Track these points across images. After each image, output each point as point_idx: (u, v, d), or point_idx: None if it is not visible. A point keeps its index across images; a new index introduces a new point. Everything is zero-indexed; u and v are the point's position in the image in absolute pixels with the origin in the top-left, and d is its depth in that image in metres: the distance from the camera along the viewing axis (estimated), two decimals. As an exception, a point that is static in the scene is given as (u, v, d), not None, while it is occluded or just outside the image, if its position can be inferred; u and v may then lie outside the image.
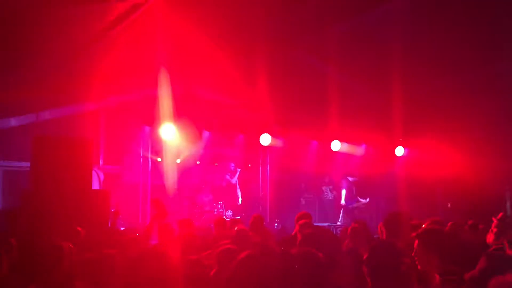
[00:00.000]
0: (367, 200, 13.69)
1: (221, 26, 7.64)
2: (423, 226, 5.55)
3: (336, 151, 13.98)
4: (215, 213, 12.74)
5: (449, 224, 7.08)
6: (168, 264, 4.49)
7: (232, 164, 13.55)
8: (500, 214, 5.75)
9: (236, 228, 6.19)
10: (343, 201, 13.49)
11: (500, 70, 10.16)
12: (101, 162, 11.56)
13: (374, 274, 3.24)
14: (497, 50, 9.38)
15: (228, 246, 4.91)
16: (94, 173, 10.17)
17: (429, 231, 3.95)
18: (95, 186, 10.13)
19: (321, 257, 3.26)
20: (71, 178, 7.63)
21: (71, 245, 4.75)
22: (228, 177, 13.45)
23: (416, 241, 3.86)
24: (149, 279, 3.67)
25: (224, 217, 11.85)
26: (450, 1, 7.51)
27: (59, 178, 7.49)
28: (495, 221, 5.60)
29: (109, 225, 7.81)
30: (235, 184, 13.48)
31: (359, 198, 13.69)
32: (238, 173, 13.52)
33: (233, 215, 12.74)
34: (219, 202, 13.04)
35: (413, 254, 3.83)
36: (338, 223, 13.24)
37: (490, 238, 5.43)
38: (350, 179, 13.80)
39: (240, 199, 13.51)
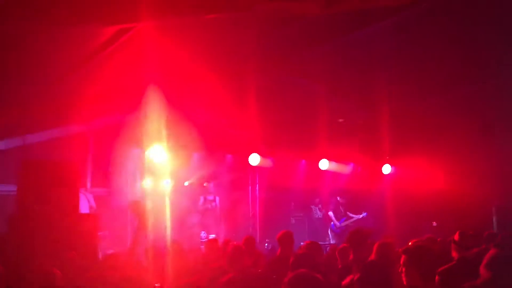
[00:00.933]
0: (363, 215, 13.66)
1: (209, 48, 7.69)
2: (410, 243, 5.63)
3: (324, 170, 14.03)
4: (202, 235, 12.63)
5: (438, 240, 7.14)
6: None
7: (211, 184, 13.37)
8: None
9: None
10: (335, 223, 13.50)
11: (482, 89, 10.35)
12: (88, 185, 11.45)
13: None
14: (479, 70, 9.55)
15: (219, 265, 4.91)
16: (83, 197, 10.08)
17: (414, 248, 4.03)
18: (85, 209, 10.02)
19: (319, 278, 3.25)
20: (58, 202, 7.54)
21: (58, 272, 4.70)
22: (202, 199, 13.27)
23: (403, 257, 3.92)
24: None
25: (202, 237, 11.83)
26: (434, 22, 7.65)
27: (46, 202, 7.40)
28: None
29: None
30: (215, 207, 13.31)
31: (350, 214, 13.70)
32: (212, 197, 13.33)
33: (221, 235, 12.65)
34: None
35: (399, 270, 3.91)
36: (327, 243, 13.22)
37: None
38: (338, 199, 13.83)
39: (220, 221, 13.27)
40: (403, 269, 3.90)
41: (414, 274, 3.83)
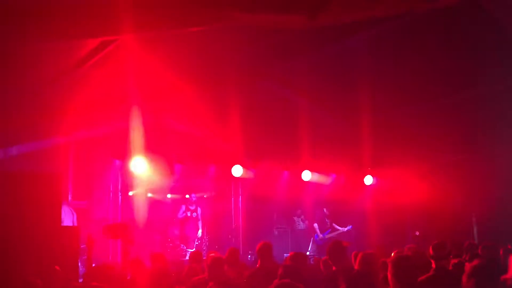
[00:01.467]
0: (348, 227, 13.73)
1: (191, 60, 7.74)
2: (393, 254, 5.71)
3: (307, 181, 14.10)
4: (182, 247, 12.61)
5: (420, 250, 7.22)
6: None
7: (193, 195, 13.34)
8: None
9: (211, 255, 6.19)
10: (319, 235, 13.53)
11: (462, 99, 10.53)
12: (69, 197, 11.35)
13: None
14: (458, 80, 9.74)
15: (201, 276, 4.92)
16: (67, 210, 10.00)
17: (396, 259, 4.10)
18: (68, 222, 9.94)
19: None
20: (39, 215, 7.49)
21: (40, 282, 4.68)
22: (183, 208, 13.22)
23: (389, 265, 4.00)
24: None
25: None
26: (414, 34, 7.82)
27: (27, 215, 7.34)
28: None
29: (80, 262, 7.66)
30: (196, 217, 13.27)
31: (335, 226, 13.75)
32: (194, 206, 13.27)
33: (206, 247, 12.63)
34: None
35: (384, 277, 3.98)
36: (310, 254, 13.25)
37: None
38: (325, 210, 13.87)
39: (200, 231, 13.24)
40: (389, 278, 3.97)
41: (396, 284, 3.89)
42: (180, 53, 7.40)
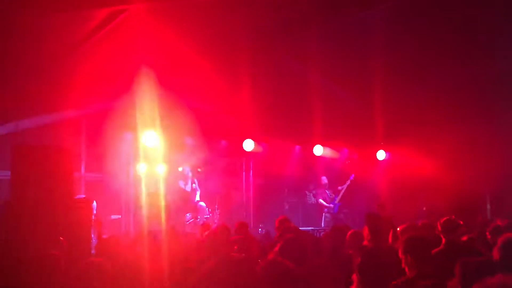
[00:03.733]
0: (350, 179, 13.60)
1: (202, 32, 7.64)
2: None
3: (318, 156, 14.05)
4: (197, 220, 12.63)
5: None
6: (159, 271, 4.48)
7: (187, 169, 13.17)
8: None
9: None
10: (328, 207, 13.46)
11: (475, 74, 10.34)
12: (82, 170, 11.43)
13: (365, 281, 3.33)
14: (471, 58, 9.54)
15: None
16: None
17: (412, 238, 4.08)
18: (78, 194, 10.02)
19: (289, 266, 3.29)
20: (52, 187, 7.52)
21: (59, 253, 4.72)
22: (182, 184, 13.11)
23: (401, 246, 3.98)
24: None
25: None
26: (429, 8, 7.63)
27: (40, 188, 7.38)
28: None
29: (92, 234, 7.73)
30: (194, 189, 13.12)
31: (339, 188, 13.67)
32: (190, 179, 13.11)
33: (218, 220, 12.68)
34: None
35: (400, 256, 3.97)
36: (321, 228, 13.26)
37: None
38: (323, 183, 13.70)
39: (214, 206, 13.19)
40: (403, 257, 3.97)
41: (411, 261, 3.89)
42: (191, 24, 7.30)
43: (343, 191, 13.54)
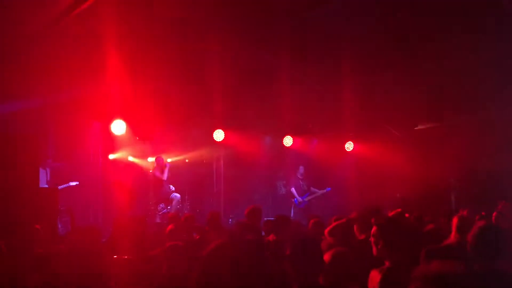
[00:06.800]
0: (326, 189, 13.72)
1: (170, 18, 7.55)
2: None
3: (288, 146, 14.11)
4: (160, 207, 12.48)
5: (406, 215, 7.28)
6: (117, 261, 4.45)
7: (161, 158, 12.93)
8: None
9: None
10: (298, 199, 13.51)
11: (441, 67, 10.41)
12: (49, 159, 11.21)
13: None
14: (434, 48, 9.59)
15: (176, 242, 4.89)
16: (42, 171, 9.88)
17: (386, 221, 4.06)
18: (43, 184, 9.83)
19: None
20: (17, 176, 7.41)
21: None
22: (157, 173, 12.91)
23: (374, 228, 3.96)
24: (98, 275, 3.64)
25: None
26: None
27: (4, 176, 7.26)
28: None
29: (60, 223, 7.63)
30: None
31: (313, 189, 13.75)
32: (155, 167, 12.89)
33: (188, 210, 12.63)
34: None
35: (370, 239, 3.96)
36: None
37: None
38: (298, 175, 13.77)
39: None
40: (372, 240, 3.95)
41: (381, 245, 3.89)
42: (160, 11, 7.21)
43: (315, 195, 13.65)
